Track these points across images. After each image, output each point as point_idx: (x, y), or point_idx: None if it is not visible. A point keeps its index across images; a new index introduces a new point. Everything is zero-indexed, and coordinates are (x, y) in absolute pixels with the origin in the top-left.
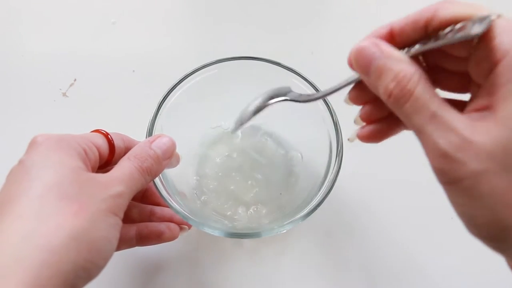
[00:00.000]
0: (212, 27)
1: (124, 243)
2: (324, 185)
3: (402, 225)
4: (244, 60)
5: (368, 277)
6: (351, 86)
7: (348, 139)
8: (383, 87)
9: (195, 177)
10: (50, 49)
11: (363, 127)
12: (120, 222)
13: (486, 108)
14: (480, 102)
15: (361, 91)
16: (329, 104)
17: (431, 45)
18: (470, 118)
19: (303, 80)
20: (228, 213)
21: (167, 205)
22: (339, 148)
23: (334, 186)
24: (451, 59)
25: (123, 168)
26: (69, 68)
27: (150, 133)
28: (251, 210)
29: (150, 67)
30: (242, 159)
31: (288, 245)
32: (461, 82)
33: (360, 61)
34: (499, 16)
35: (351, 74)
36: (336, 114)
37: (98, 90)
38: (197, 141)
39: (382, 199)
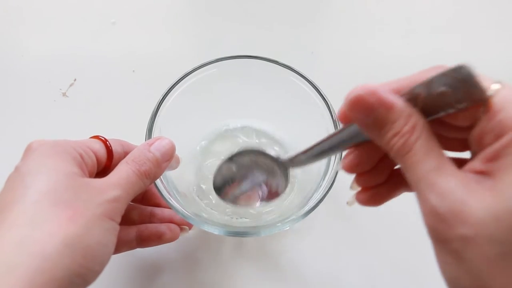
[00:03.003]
0: (212, 27)
1: (124, 245)
2: (324, 183)
3: (404, 221)
4: (243, 59)
5: (369, 276)
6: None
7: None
8: (386, 141)
9: (195, 177)
10: (50, 49)
11: (361, 191)
12: (117, 227)
13: (484, 174)
14: (478, 166)
15: (357, 165)
16: (327, 101)
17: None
18: (466, 178)
19: (301, 78)
20: (228, 212)
21: (168, 206)
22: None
23: (334, 184)
24: (450, 128)
25: (120, 172)
26: (69, 68)
27: (149, 132)
28: (251, 209)
29: (150, 67)
30: (242, 159)
31: (288, 243)
32: (458, 146)
33: (357, 112)
34: (501, 85)
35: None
36: (335, 111)
37: (98, 90)
38: (197, 141)
39: None
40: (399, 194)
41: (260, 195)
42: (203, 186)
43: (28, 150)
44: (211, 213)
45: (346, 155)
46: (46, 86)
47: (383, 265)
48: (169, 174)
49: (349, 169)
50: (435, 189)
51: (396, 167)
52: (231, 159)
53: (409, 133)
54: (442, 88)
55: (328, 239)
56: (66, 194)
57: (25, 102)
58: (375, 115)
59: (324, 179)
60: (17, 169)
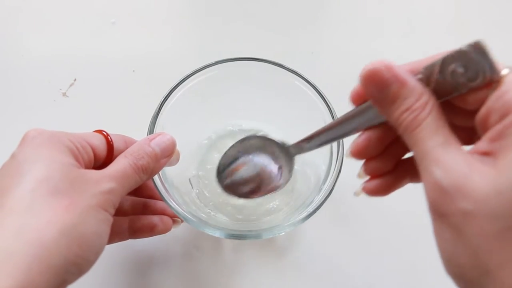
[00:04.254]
0: (212, 27)
1: (116, 235)
2: (325, 187)
3: (405, 226)
4: (246, 61)
5: (368, 279)
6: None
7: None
8: (396, 116)
9: (194, 178)
10: (50, 49)
11: (368, 180)
12: (110, 218)
13: (488, 154)
14: (482, 146)
15: (365, 148)
16: (330, 106)
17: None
18: (471, 156)
19: (305, 82)
20: (227, 213)
21: (166, 204)
22: (340, 150)
23: (335, 189)
24: (460, 113)
25: (117, 165)
26: (69, 68)
27: (151, 133)
28: (251, 211)
29: (150, 67)
30: (247, 146)
31: (288, 246)
32: (465, 137)
33: (371, 84)
34: (511, 70)
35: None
36: (338, 116)
37: (98, 90)
38: (198, 142)
39: (385, 200)
40: (404, 184)
41: (264, 185)
42: (203, 187)
43: (25, 138)
44: (210, 214)
45: (354, 142)
46: (46, 86)
47: (385, 268)
48: (169, 172)
49: (357, 153)
50: (440, 163)
51: (404, 157)
52: (237, 145)
53: (419, 109)
54: (455, 66)
55: (328, 244)
56: (62, 184)
57: (25, 102)
58: (388, 90)
59: (324, 184)
60: (13, 156)
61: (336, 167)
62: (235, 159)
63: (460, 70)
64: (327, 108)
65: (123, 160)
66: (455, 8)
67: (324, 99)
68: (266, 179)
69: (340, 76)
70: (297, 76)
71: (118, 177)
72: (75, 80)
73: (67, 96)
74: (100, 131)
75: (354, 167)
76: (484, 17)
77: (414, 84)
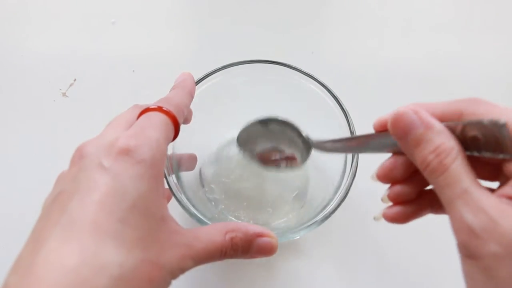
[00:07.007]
0: (212, 27)
1: None
2: (339, 191)
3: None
4: (261, 63)
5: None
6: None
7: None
8: (421, 157)
9: (210, 181)
10: (50, 49)
11: (389, 206)
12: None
13: None
14: (510, 191)
15: (391, 171)
16: (346, 111)
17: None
18: (499, 200)
19: (321, 87)
20: (242, 217)
21: (180, 205)
22: (355, 154)
23: (349, 193)
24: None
25: (210, 244)
26: (69, 68)
27: None
28: (264, 215)
29: (150, 67)
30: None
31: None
32: (491, 172)
33: (398, 127)
34: None
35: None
36: (353, 122)
37: (98, 90)
38: (212, 146)
39: None
40: (425, 215)
41: (279, 160)
42: (218, 190)
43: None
44: (224, 217)
45: (380, 165)
46: (46, 86)
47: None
48: (184, 177)
49: (383, 176)
50: (470, 207)
51: (427, 187)
52: (260, 121)
53: (446, 153)
54: (475, 133)
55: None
56: (155, 247)
57: (25, 102)
58: (415, 132)
59: (339, 189)
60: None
61: (351, 171)
62: (256, 133)
63: (480, 137)
64: (342, 112)
65: (220, 239)
66: (454, 8)
67: (340, 104)
68: (283, 155)
69: (340, 76)
70: (313, 81)
71: (202, 258)
72: (75, 80)
73: (67, 96)
74: (168, 113)
75: (369, 173)
76: (483, 16)
77: (441, 128)
